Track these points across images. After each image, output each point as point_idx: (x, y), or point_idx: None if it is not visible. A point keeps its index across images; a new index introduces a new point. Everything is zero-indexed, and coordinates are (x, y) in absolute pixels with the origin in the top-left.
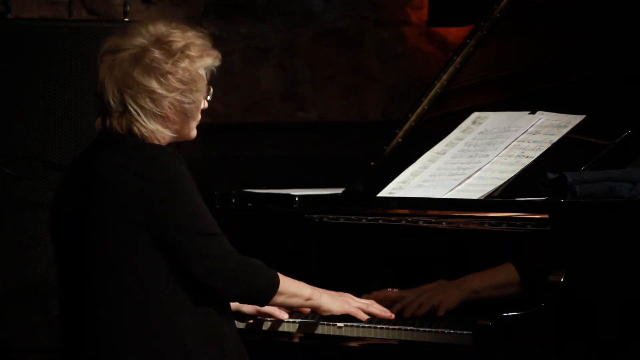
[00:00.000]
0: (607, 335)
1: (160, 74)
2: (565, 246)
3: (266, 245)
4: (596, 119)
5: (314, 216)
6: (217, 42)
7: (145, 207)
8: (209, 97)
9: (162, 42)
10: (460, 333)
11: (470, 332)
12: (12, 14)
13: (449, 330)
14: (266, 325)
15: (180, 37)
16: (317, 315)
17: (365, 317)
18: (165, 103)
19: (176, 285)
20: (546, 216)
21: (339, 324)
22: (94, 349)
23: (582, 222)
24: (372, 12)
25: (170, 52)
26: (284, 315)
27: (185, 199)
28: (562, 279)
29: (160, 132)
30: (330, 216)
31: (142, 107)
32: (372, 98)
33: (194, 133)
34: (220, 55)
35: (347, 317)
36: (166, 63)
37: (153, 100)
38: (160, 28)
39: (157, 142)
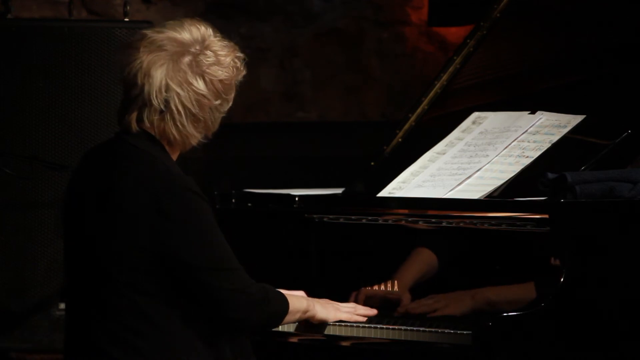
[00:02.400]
0: (607, 335)
1: (211, 80)
2: (565, 246)
3: (266, 245)
4: (596, 119)
5: (314, 216)
6: None
7: (164, 243)
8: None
9: (214, 48)
10: (460, 333)
11: (470, 332)
12: (12, 14)
13: (449, 330)
14: None
15: (228, 46)
16: None
17: (359, 319)
18: (207, 108)
19: (179, 306)
20: (546, 216)
21: (339, 324)
22: (95, 353)
23: (582, 222)
24: (372, 12)
25: (222, 60)
26: None
27: (204, 236)
28: (562, 279)
29: (193, 138)
30: (330, 216)
31: (186, 108)
32: (372, 98)
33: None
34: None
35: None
36: (220, 70)
37: (200, 104)
38: (209, 31)
39: (187, 147)
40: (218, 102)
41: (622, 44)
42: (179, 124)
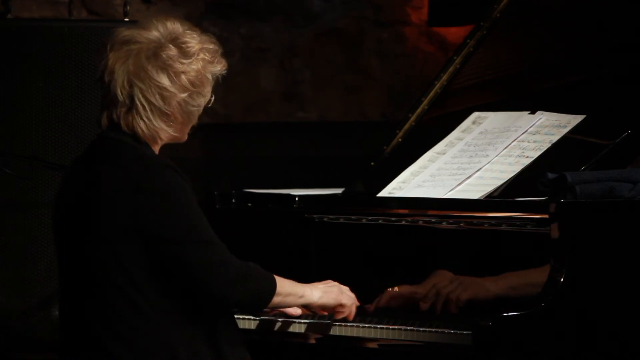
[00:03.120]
0: (607, 335)
1: (174, 73)
2: (565, 246)
3: (266, 245)
4: (596, 119)
5: (314, 216)
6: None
7: (141, 220)
8: (209, 105)
9: (178, 41)
10: (460, 333)
11: (470, 332)
12: (12, 14)
13: (449, 330)
14: (266, 326)
15: (197, 39)
16: (316, 315)
17: (354, 309)
18: (174, 102)
19: (170, 295)
20: (546, 216)
21: (338, 324)
22: (91, 350)
23: (582, 222)
24: (372, 12)
25: (186, 53)
26: (298, 311)
27: (180, 209)
28: (562, 279)
29: (163, 131)
30: (330, 216)
31: (150, 103)
32: (372, 98)
33: (186, 136)
34: (226, 65)
35: (345, 318)
36: (182, 63)
37: (163, 98)
38: (176, 26)
39: (158, 141)
40: (185, 95)
41: (622, 44)
42: (145, 118)
